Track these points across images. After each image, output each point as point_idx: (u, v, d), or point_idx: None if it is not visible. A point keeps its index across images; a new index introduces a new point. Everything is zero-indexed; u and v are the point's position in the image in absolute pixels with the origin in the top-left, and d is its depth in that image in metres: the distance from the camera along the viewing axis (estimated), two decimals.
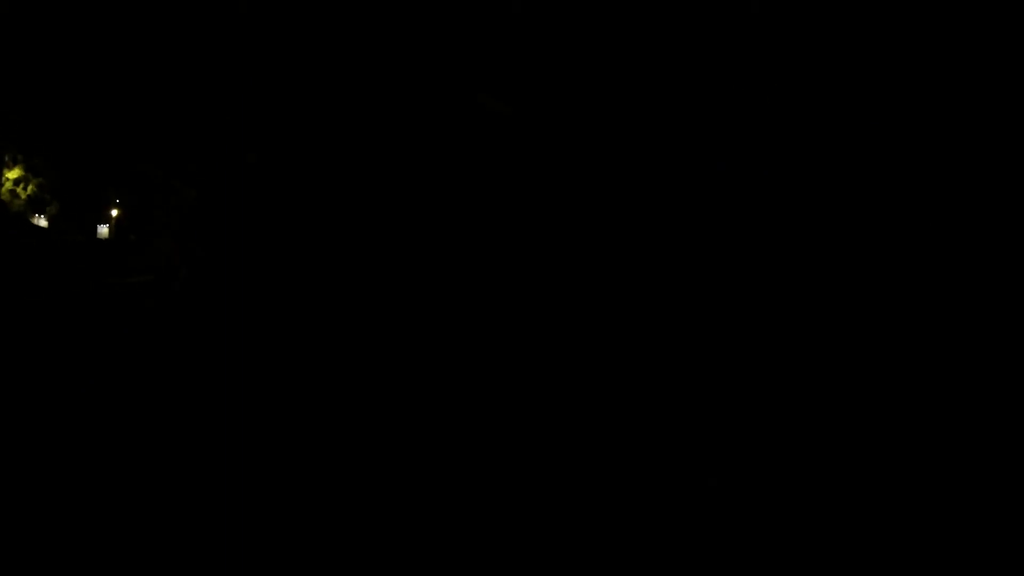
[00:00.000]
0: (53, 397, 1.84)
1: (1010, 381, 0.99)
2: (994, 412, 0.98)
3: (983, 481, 0.92)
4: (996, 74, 0.94)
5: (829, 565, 0.87)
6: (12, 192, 9.23)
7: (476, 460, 1.08)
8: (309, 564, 0.87)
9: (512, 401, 1.12)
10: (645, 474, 1.05)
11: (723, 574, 0.86)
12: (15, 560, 0.88)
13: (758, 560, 0.87)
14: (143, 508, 1.04)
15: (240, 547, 0.88)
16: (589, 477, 1.04)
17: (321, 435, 1.19)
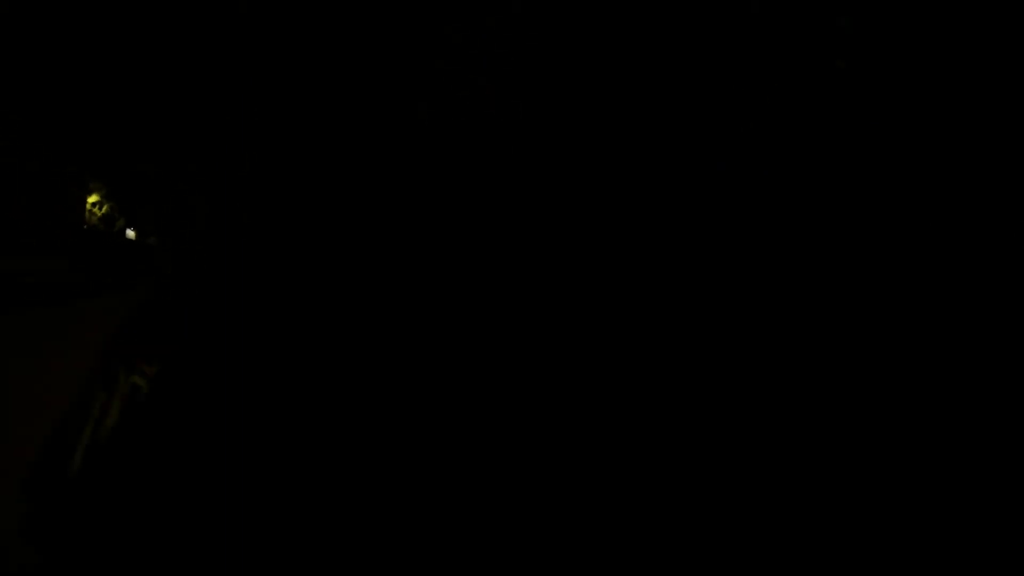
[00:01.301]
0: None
1: (1010, 381, 0.94)
2: (994, 412, 0.95)
3: (983, 481, 0.88)
4: (998, 76, 0.83)
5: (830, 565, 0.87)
6: (90, 211, 12.47)
7: (479, 461, 1.05)
8: (310, 564, 0.87)
9: (515, 402, 1.10)
10: (647, 474, 1.00)
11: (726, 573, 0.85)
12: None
13: (760, 559, 0.87)
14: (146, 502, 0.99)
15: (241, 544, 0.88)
16: (591, 477, 1.00)
17: (323, 434, 1.12)
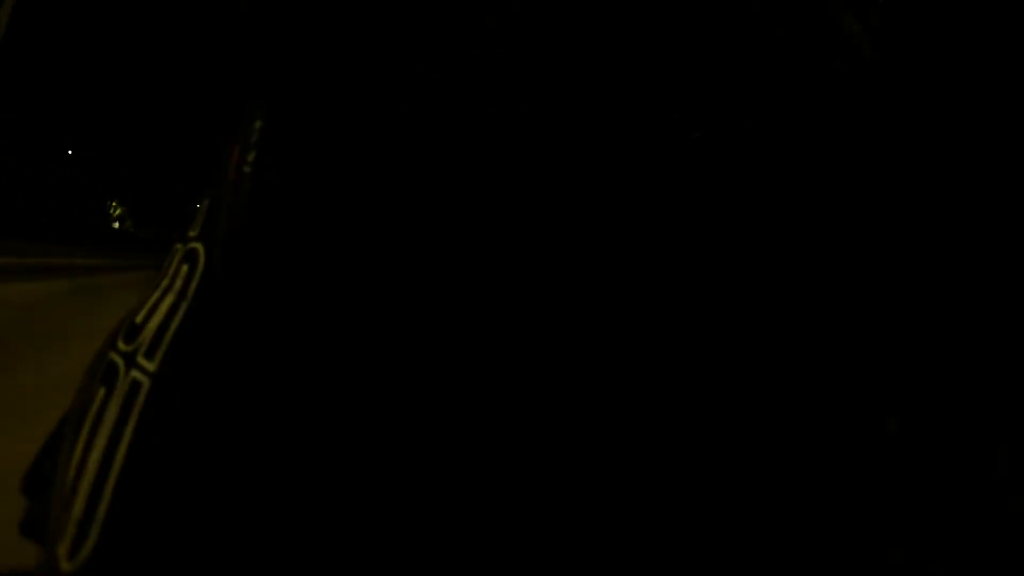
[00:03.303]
0: None
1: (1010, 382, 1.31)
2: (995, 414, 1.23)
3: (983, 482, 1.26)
4: (1001, 76, 1.08)
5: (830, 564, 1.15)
6: (108, 212, 15.14)
7: (480, 460, 1.39)
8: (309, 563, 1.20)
9: (515, 402, 1.43)
10: (650, 475, 1.42)
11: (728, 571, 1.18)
12: None
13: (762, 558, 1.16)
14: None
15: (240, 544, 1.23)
16: (593, 477, 1.37)
17: (327, 433, 1.52)
